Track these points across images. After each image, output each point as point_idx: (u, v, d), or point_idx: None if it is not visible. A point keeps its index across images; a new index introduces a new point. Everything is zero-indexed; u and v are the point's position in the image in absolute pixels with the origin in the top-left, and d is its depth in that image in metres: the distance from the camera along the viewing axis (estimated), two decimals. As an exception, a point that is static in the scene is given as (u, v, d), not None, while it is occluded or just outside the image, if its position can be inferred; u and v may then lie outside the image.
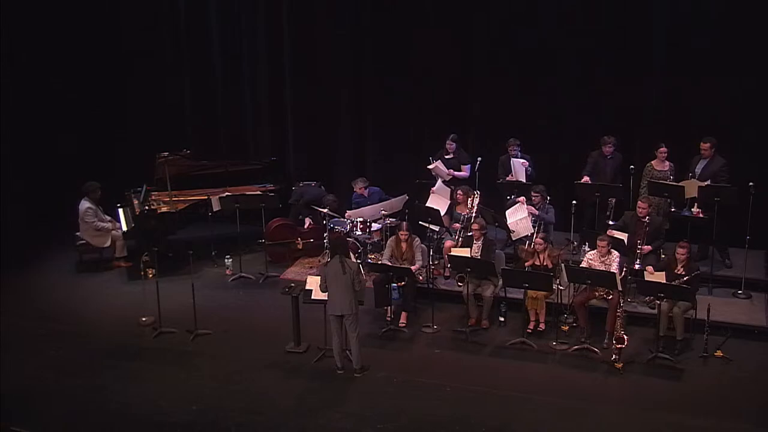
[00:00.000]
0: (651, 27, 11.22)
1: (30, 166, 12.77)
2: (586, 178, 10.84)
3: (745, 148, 10.82)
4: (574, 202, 10.52)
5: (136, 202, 11.91)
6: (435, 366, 9.18)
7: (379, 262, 10.27)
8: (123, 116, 13.74)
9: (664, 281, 9.02)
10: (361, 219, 11.13)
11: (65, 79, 13.07)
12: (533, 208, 10.54)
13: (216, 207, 11.74)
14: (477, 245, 10.01)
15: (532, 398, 8.46)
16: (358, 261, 10.20)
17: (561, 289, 9.61)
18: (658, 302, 9.09)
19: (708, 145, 10.25)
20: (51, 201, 12.70)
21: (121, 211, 12.05)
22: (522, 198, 10.67)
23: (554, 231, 10.84)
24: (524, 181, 11.00)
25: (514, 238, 10.55)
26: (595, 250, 9.50)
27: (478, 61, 12.18)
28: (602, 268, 9.31)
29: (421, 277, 10.35)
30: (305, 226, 12.12)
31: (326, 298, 8.86)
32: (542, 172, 11.38)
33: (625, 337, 8.88)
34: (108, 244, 11.83)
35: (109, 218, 11.94)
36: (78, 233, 11.82)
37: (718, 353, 9.10)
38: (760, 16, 10.59)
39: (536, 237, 9.90)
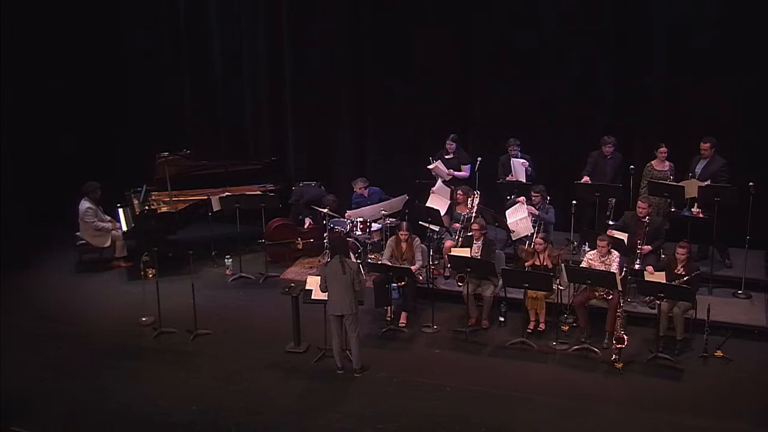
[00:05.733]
0: (651, 27, 11.22)
1: (30, 166, 12.77)
2: (586, 178, 10.84)
3: (745, 148, 10.83)
4: (574, 202, 10.53)
5: (136, 202, 11.91)
6: (435, 366, 9.18)
7: (379, 262, 10.27)
8: (123, 116, 13.75)
9: (664, 281, 9.02)
10: (361, 219, 11.13)
11: (65, 79, 13.07)
12: (533, 208, 10.54)
13: (216, 207, 11.74)
14: (477, 245, 10.00)
15: (532, 398, 8.46)
16: (358, 261, 10.21)
17: (561, 289, 9.60)
18: (658, 302, 9.08)
19: (708, 145, 10.25)
20: (51, 201, 12.70)
21: (121, 211, 12.05)
22: (522, 198, 10.67)
23: (554, 231, 10.85)
24: (524, 181, 11.00)
25: (514, 238, 10.56)
26: (595, 250, 9.50)
27: (478, 61, 12.18)
28: (602, 268, 9.31)
29: (421, 277, 10.34)
30: (305, 226, 12.12)
31: (326, 298, 8.86)
32: (542, 172, 11.38)
33: (625, 337, 8.87)
34: (108, 244, 11.84)
35: (109, 218, 11.94)
36: (78, 233, 11.83)
37: (718, 353, 9.10)
38: (760, 16, 10.59)
39: (536, 237, 9.89)
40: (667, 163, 10.57)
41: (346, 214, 11.35)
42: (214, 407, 8.40)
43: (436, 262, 10.92)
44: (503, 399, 8.47)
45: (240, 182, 12.37)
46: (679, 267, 9.26)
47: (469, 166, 11.51)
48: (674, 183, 10.30)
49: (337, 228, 11.29)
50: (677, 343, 9.17)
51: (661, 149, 10.54)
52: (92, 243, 11.81)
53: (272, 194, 11.94)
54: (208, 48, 13.49)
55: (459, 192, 10.91)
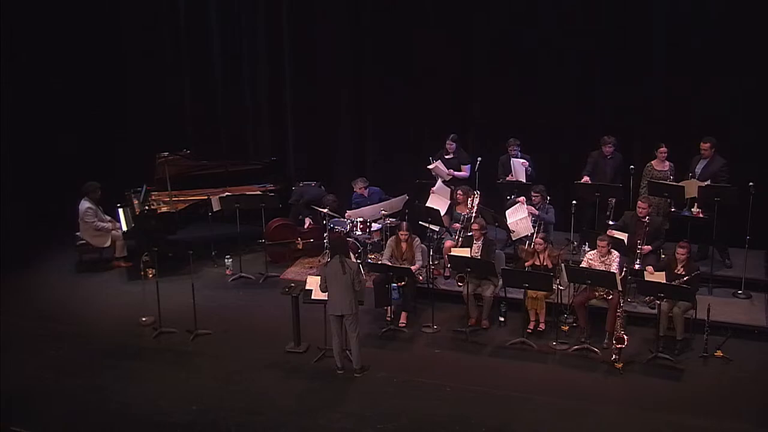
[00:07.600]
0: (651, 27, 11.22)
1: (30, 166, 12.77)
2: (586, 178, 10.84)
3: (745, 148, 10.82)
4: (574, 202, 10.53)
5: (136, 202, 11.91)
6: (435, 366, 9.18)
7: (379, 262, 10.27)
8: (123, 116, 13.75)
9: (664, 281, 9.02)
10: (361, 219, 11.13)
11: (65, 79, 13.07)
12: (533, 208, 10.54)
13: (216, 207, 11.75)
14: (477, 245, 10.00)
15: (532, 398, 8.46)
16: (358, 261, 10.21)
17: (561, 289, 9.61)
18: (658, 302, 9.09)
19: (708, 145, 10.25)
20: (51, 201, 12.70)
21: (121, 211, 12.05)
22: (522, 198, 10.68)
23: (554, 231, 10.85)
24: (524, 181, 11.00)
25: (514, 238, 10.56)
26: (595, 250, 9.50)
27: (478, 61, 12.19)
28: (602, 268, 9.31)
29: (421, 277, 10.34)
30: (305, 226, 12.12)
31: (326, 298, 8.86)
32: (542, 172, 11.38)
33: (625, 337, 8.87)
34: (108, 244, 11.84)
35: (109, 218, 11.94)
36: (78, 233, 11.83)
37: (718, 353, 9.10)
38: (760, 16, 10.59)
39: (536, 237, 9.90)
40: (667, 163, 10.57)
41: (346, 214, 11.35)
42: (214, 407, 8.40)
43: (436, 262, 10.92)
44: (503, 399, 8.47)
45: (240, 182, 12.37)
46: (679, 267, 9.26)
47: (469, 166, 11.51)
48: (674, 183, 10.30)
49: (337, 228, 11.29)
50: (677, 343, 9.17)
51: (661, 149, 10.54)
52: (92, 243, 11.81)
53: (272, 194, 11.94)
54: (208, 48, 13.48)
55: (459, 192, 10.91)
